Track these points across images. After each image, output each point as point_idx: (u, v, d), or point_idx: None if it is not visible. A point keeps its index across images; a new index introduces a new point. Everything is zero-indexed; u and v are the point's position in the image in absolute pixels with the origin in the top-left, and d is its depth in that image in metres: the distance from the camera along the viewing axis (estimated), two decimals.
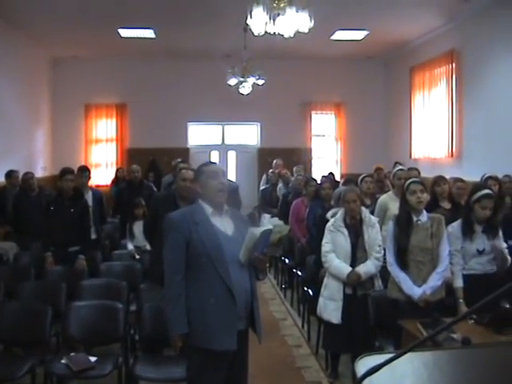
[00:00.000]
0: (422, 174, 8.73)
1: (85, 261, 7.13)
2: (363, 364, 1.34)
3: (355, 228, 5.97)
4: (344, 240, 5.93)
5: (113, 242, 9.28)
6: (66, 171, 7.44)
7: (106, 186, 15.20)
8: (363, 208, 6.13)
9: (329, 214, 6.42)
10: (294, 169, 12.29)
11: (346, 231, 5.95)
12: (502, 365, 1.42)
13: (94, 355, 5.10)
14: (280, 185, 11.96)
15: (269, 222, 10.23)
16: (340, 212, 6.11)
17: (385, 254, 5.66)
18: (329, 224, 6.10)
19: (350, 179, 8.41)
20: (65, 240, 7.13)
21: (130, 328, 5.76)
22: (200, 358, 3.94)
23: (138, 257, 8.01)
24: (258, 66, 12.85)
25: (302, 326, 7.90)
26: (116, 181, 14.29)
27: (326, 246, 6.03)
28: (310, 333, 7.45)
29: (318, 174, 14.52)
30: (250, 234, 3.96)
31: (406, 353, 1.24)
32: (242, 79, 13.07)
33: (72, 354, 5.09)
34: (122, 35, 13.48)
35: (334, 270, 5.91)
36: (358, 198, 6.01)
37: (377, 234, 5.99)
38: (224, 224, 4.12)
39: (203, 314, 3.91)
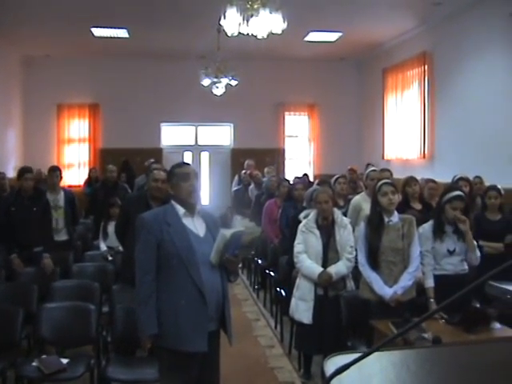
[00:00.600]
0: (395, 175, 8.80)
1: (50, 259, 7.02)
2: (332, 363, 1.36)
3: (327, 229, 5.99)
4: (316, 241, 5.94)
5: (85, 243, 9.20)
6: (24, 170, 7.33)
7: (79, 186, 15.11)
8: (335, 209, 6.16)
9: (301, 215, 6.44)
10: (266, 170, 12.29)
11: (317, 232, 5.97)
12: (469, 363, 1.44)
13: (65, 357, 5.06)
14: (252, 186, 11.97)
15: (240, 223, 10.24)
16: (312, 213, 6.13)
17: (357, 255, 5.69)
18: (301, 225, 6.12)
19: (324, 180, 8.43)
20: (29, 240, 7.01)
21: (103, 329, 5.72)
22: (171, 359, 3.93)
23: (110, 258, 7.95)
24: (231, 67, 12.85)
25: (275, 327, 7.91)
26: (89, 181, 14.21)
27: (297, 246, 6.04)
28: (283, 333, 7.45)
29: (290, 174, 14.56)
30: (221, 236, 3.96)
31: (373, 352, 1.26)
32: (215, 80, 13.06)
33: (43, 356, 5.04)
34: (96, 34, 13.40)
35: (305, 271, 5.93)
36: (330, 199, 6.03)
37: (349, 234, 6.02)
38: (196, 225, 4.11)
39: (174, 315, 3.90)
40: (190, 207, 4.12)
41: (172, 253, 3.92)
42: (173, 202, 4.14)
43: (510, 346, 1.62)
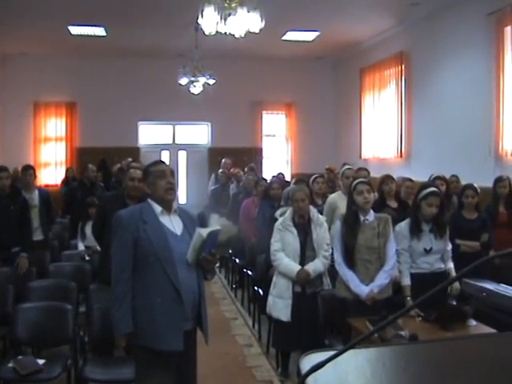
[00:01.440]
0: (372, 174, 8.84)
1: (27, 259, 6.93)
2: (308, 361, 1.36)
3: (304, 227, 6.02)
4: (293, 239, 5.96)
5: (62, 243, 9.14)
6: (0, 169, 7.24)
7: (56, 185, 15.00)
8: (311, 207, 6.18)
9: (277, 213, 6.45)
10: (246, 168, 12.30)
11: (294, 230, 5.98)
12: (444, 359, 1.45)
13: (42, 358, 5.02)
14: (233, 184, 11.97)
15: (217, 222, 10.24)
16: (289, 211, 6.15)
17: (333, 253, 5.71)
18: (277, 223, 6.13)
19: (301, 179, 8.46)
20: (6, 240, 6.92)
21: (80, 330, 5.68)
22: (147, 358, 3.93)
23: (87, 258, 7.91)
24: (209, 66, 12.82)
25: (253, 326, 7.92)
26: (66, 180, 14.10)
27: (274, 244, 6.06)
28: (261, 332, 7.47)
29: (268, 173, 14.58)
30: (198, 235, 3.96)
31: (348, 349, 1.27)
32: (193, 79, 13.03)
33: (19, 357, 4.99)
34: (73, 32, 13.30)
35: (283, 269, 5.95)
36: (307, 197, 6.06)
37: (325, 232, 6.05)
38: (173, 223, 4.12)
39: (150, 313, 3.90)
40: (167, 205, 4.12)
41: (148, 251, 3.91)
42: (149, 201, 4.13)
43: (484, 343, 1.64)
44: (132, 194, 5.73)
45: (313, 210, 6.14)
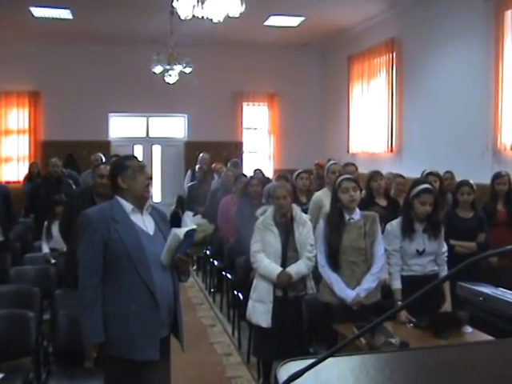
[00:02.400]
0: (360, 170, 8.86)
1: None
2: (286, 370, 1.35)
3: (286, 226, 6.01)
4: (274, 239, 5.96)
5: (24, 244, 9.06)
6: None
7: (18, 182, 14.90)
8: (294, 205, 6.18)
9: (258, 212, 6.44)
10: (229, 163, 12.28)
11: (276, 230, 5.98)
12: (434, 367, 1.45)
13: (0, 372, 4.96)
14: (214, 180, 11.95)
15: (192, 220, 10.21)
16: (269, 209, 6.14)
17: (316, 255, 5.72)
18: (258, 222, 6.13)
19: (283, 175, 8.46)
20: None
21: (43, 339, 5.63)
22: (119, 368, 3.91)
23: (53, 261, 7.82)
24: (185, 53, 12.79)
25: (233, 333, 7.92)
26: (29, 176, 14.00)
27: (254, 245, 6.05)
28: (241, 340, 7.46)
29: (249, 169, 14.56)
30: (174, 236, 3.97)
31: (328, 357, 1.25)
32: (167, 67, 12.99)
33: None
34: (35, 15, 13.16)
35: (263, 271, 5.94)
36: (289, 195, 6.05)
37: (308, 232, 6.04)
38: (145, 222, 4.12)
39: (124, 320, 3.88)
40: (140, 203, 4.12)
41: (121, 253, 3.90)
42: (118, 198, 4.12)
43: (478, 350, 1.64)
44: (101, 191, 5.72)
45: (295, 208, 6.13)
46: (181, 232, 3.97)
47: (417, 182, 5.73)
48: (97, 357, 3.98)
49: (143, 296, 3.90)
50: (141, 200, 4.12)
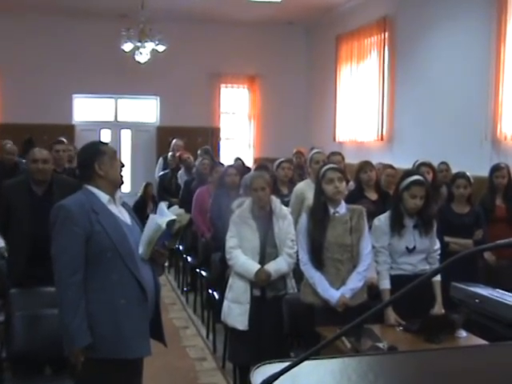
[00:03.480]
0: (348, 160, 8.88)
1: None
2: (261, 374, 1.35)
3: (264, 220, 6.00)
4: (251, 234, 5.95)
5: None
6: None
7: None
8: (273, 197, 6.17)
9: (234, 204, 6.41)
10: (199, 152, 12.25)
11: (253, 223, 5.97)
12: (421, 372, 1.45)
13: None
14: (181, 171, 11.92)
15: (170, 210, 10.15)
16: (247, 202, 6.13)
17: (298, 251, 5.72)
18: (234, 215, 6.11)
19: (263, 165, 8.45)
20: None
21: None
22: (108, 372, 3.95)
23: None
24: (158, 30, 12.75)
25: (207, 336, 7.94)
26: None
27: (230, 240, 6.04)
28: (216, 343, 7.48)
29: (227, 158, 14.56)
30: (155, 226, 4.01)
31: (304, 360, 1.25)
32: (138, 44, 12.95)
33: None
34: None
35: (239, 268, 5.93)
36: (268, 186, 6.04)
37: (289, 226, 6.04)
38: (121, 212, 4.21)
39: (113, 318, 3.93)
40: (115, 191, 4.21)
41: (106, 245, 3.95)
42: (91, 188, 4.14)
43: (466, 354, 1.65)
44: (37, 178, 5.64)
45: (275, 201, 6.12)
46: (162, 222, 4.01)
47: (407, 174, 5.71)
48: (59, 356, 4.00)
49: (132, 289, 3.97)
50: (116, 187, 4.22)
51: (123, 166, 4.29)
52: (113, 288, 3.94)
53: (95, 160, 4.14)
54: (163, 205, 4.30)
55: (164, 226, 3.98)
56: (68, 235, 3.95)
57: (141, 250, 4.04)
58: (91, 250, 3.94)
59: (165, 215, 4.13)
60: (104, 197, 4.10)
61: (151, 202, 12.86)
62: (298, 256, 5.72)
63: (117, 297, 3.93)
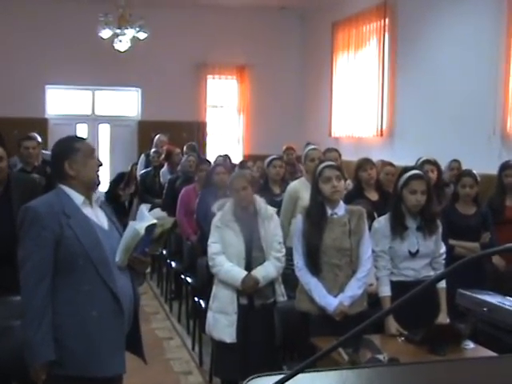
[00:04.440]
0: (345, 157, 8.90)
1: None
2: None
3: (249, 222, 6.00)
4: (235, 238, 5.94)
5: None
6: None
7: None
8: (257, 197, 6.16)
9: (215, 207, 6.39)
10: (185, 148, 12.26)
11: (236, 226, 5.96)
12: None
13: None
14: (164, 169, 11.93)
15: (148, 213, 10.13)
16: (228, 203, 6.14)
17: (291, 255, 5.71)
18: (215, 219, 6.10)
19: (245, 161, 8.46)
20: None
21: None
22: None
23: None
24: (138, 15, 12.73)
25: (193, 348, 7.93)
26: None
27: (212, 246, 6.03)
28: (203, 356, 7.47)
29: (214, 154, 14.55)
30: (133, 232, 3.98)
31: (297, 373, 1.26)
32: (118, 31, 12.94)
33: None
34: None
35: (224, 276, 5.92)
36: (250, 185, 6.04)
37: (275, 228, 6.07)
38: (97, 216, 4.15)
39: (83, 331, 3.89)
40: (90, 193, 4.15)
41: (77, 252, 3.90)
42: (64, 188, 4.09)
43: (478, 366, 1.66)
44: None
45: (259, 201, 6.12)
46: (141, 227, 3.98)
47: (405, 170, 5.71)
48: (46, 379, 3.90)
49: (105, 300, 3.92)
50: (92, 189, 4.15)
51: (101, 165, 4.22)
52: (84, 299, 3.91)
53: (66, 158, 4.08)
54: (144, 208, 4.28)
55: (142, 231, 3.95)
56: (35, 239, 3.91)
57: (117, 258, 4.00)
58: (61, 256, 3.89)
59: (145, 220, 4.10)
60: (78, 198, 4.05)
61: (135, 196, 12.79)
62: (291, 261, 5.72)
63: (88, 308, 3.90)
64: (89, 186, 4.12)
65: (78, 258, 3.89)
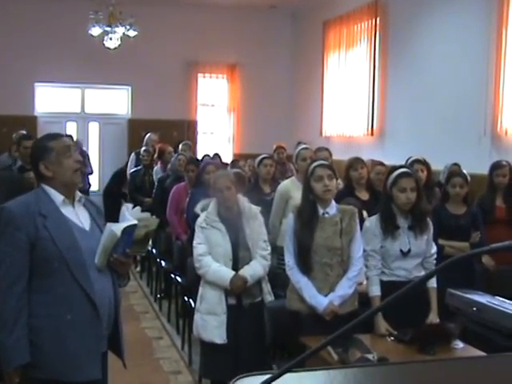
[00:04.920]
0: (336, 156, 8.89)
1: None
2: None
3: (233, 222, 6.00)
4: (222, 238, 5.94)
5: None
6: None
7: None
8: (240, 196, 6.15)
9: (198, 208, 6.37)
10: (181, 146, 12.24)
11: (222, 226, 5.95)
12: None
13: None
14: (157, 167, 11.90)
15: (132, 214, 10.10)
16: (212, 204, 6.13)
17: (283, 255, 5.71)
18: (200, 220, 6.08)
19: (236, 160, 8.45)
20: None
21: None
22: None
23: None
24: (129, 13, 12.71)
25: (182, 347, 7.93)
26: None
27: (198, 247, 6.01)
28: (192, 355, 7.46)
29: (204, 153, 14.54)
30: (109, 233, 3.92)
31: (284, 372, 1.26)
32: (108, 29, 12.92)
33: None
34: None
35: (212, 276, 5.90)
36: (233, 185, 6.04)
37: (260, 227, 6.08)
38: (78, 216, 4.07)
39: (57, 334, 3.85)
40: (71, 192, 4.07)
41: (52, 254, 3.85)
42: (45, 187, 4.03)
43: (467, 365, 1.66)
44: None
45: (242, 200, 6.12)
46: (118, 228, 3.92)
47: (393, 169, 5.72)
48: (21, 381, 3.86)
49: (80, 303, 3.88)
50: (72, 189, 4.08)
51: (80, 161, 4.12)
52: (57, 301, 3.87)
53: (40, 159, 4.01)
54: (125, 209, 4.19)
55: (119, 233, 3.90)
56: (9, 240, 3.86)
57: (96, 259, 3.95)
58: (36, 259, 3.85)
59: (125, 220, 4.07)
60: (58, 197, 3.99)
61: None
62: (283, 260, 5.72)
63: (62, 312, 3.85)
64: (68, 186, 4.04)
65: (53, 260, 3.84)
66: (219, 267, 5.89)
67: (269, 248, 5.98)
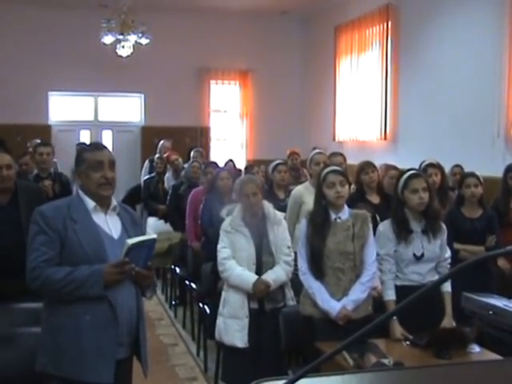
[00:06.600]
0: (349, 161, 8.87)
1: None
2: None
3: (258, 227, 6.02)
4: (246, 242, 5.96)
5: None
6: None
7: None
8: (265, 202, 6.17)
9: (223, 212, 6.40)
10: (193, 153, 12.24)
11: (247, 231, 5.98)
12: None
13: None
14: (168, 174, 11.90)
15: (152, 227, 10.12)
16: (237, 208, 6.14)
17: (296, 260, 5.71)
18: (225, 224, 6.11)
19: (251, 165, 8.44)
20: None
21: None
22: None
23: None
24: (141, 21, 12.74)
25: (198, 354, 7.93)
26: None
27: (222, 251, 6.03)
28: (208, 362, 7.46)
29: (217, 159, 14.54)
30: (125, 244, 3.98)
31: (299, 378, 1.26)
32: (120, 37, 12.95)
33: None
34: None
35: (235, 280, 5.92)
36: (259, 190, 6.06)
37: (284, 232, 6.08)
38: (109, 224, 4.17)
39: (76, 333, 3.91)
40: (103, 200, 4.16)
41: (78, 256, 3.95)
42: (80, 193, 4.17)
43: (484, 369, 1.65)
44: (0, 186, 5.61)
45: (267, 205, 6.14)
46: (132, 240, 3.98)
47: (402, 173, 5.72)
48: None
49: (100, 307, 3.94)
50: (100, 199, 4.15)
51: (107, 178, 4.14)
52: (78, 301, 3.93)
53: (76, 166, 4.23)
54: (148, 221, 4.27)
55: (130, 243, 3.94)
56: (42, 235, 3.97)
57: None
58: (62, 259, 3.95)
59: (146, 235, 4.12)
60: (90, 204, 4.11)
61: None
62: (296, 265, 5.72)
63: (81, 312, 3.93)
64: (95, 196, 4.13)
65: (79, 262, 3.94)
66: (242, 271, 5.91)
67: (292, 254, 5.97)
